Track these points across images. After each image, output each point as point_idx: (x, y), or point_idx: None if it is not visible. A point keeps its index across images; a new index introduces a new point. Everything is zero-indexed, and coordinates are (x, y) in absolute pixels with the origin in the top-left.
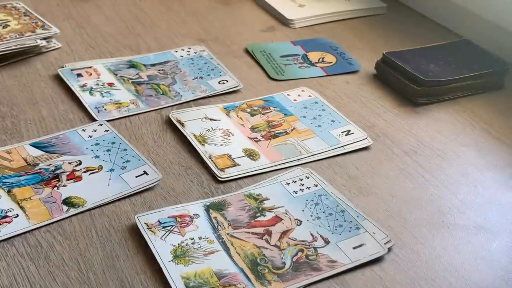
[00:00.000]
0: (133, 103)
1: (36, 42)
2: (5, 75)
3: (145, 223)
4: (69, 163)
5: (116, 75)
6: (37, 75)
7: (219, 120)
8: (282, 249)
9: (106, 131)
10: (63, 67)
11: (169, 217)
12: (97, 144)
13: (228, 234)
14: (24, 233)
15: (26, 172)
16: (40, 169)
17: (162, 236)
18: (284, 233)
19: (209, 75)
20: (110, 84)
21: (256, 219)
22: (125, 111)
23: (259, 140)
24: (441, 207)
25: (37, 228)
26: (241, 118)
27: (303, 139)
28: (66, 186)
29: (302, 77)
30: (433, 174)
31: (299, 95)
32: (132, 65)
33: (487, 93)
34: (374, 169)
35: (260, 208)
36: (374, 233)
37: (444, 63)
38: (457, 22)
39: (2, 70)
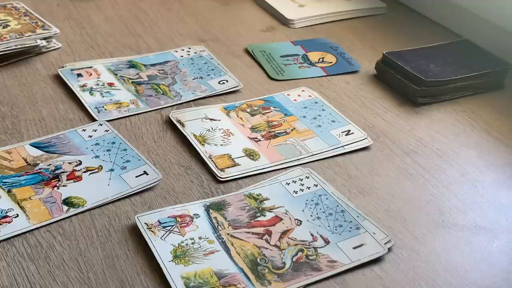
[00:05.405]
0: (133, 103)
1: (36, 42)
2: (5, 75)
3: (145, 223)
4: (69, 163)
5: (116, 75)
6: (37, 75)
7: (219, 120)
8: (282, 249)
9: (106, 131)
10: (63, 67)
11: (169, 217)
12: (97, 144)
13: (228, 234)
14: (24, 233)
15: (26, 172)
16: (40, 169)
17: (162, 236)
18: (284, 233)
19: (209, 75)
20: (110, 84)
21: (256, 219)
22: (125, 111)
23: (259, 140)
24: (441, 207)
25: (37, 228)
26: (241, 118)
27: (303, 139)
28: (66, 186)
29: (302, 77)
30: (433, 174)
31: (299, 95)
32: (132, 65)
33: (487, 93)
34: (374, 169)
35: (260, 208)
36: (374, 233)
37: (444, 63)
38: (457, 22)
39: (2, 70)
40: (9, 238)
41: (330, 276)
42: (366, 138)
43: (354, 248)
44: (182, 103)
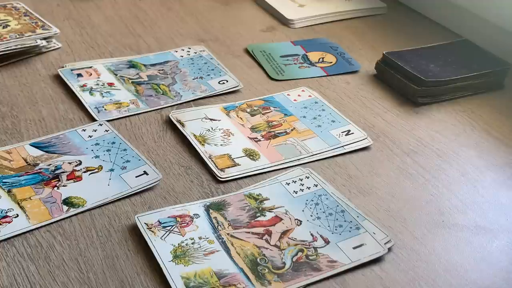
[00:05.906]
0: (133, 103)
1: (36, 42)
2: (5, 75)
3: (145, 223)
4: (69, 163)
5: (116, 75)
6: (37, 75)
7: (219, 120)
8: (282, 249)
9: (106, 131)
10: (63, 67)
11: (169, 217)
12: (97, 144)
13: (228, 234)
14: (24, 233)
15: (26, 172)
16: (40, 169)
17: (162, 236)
18: (284, 233)
19: (209, 75)
20: (110, 84)
21: (256, 219)
22: (125, 111)
23: (259, 140)
24: (441, 207)
25: (37, 228)
26: (241, 118)
27: (303, 139)
28: (66, 186)
29: (302, 77)
30: (433, 174)
31: (299, 95)
32: (132, 65)
33: (487, 93)
34: (374, 169)
35: (260, 208)
36: (374, 233)
37: (444, 63)
38: (457, 22)
39: (2, 70)
40: (9, 238)
41: (330, 276)
42: (366, 138)
43: (354, 248)
44: (182, 103)
